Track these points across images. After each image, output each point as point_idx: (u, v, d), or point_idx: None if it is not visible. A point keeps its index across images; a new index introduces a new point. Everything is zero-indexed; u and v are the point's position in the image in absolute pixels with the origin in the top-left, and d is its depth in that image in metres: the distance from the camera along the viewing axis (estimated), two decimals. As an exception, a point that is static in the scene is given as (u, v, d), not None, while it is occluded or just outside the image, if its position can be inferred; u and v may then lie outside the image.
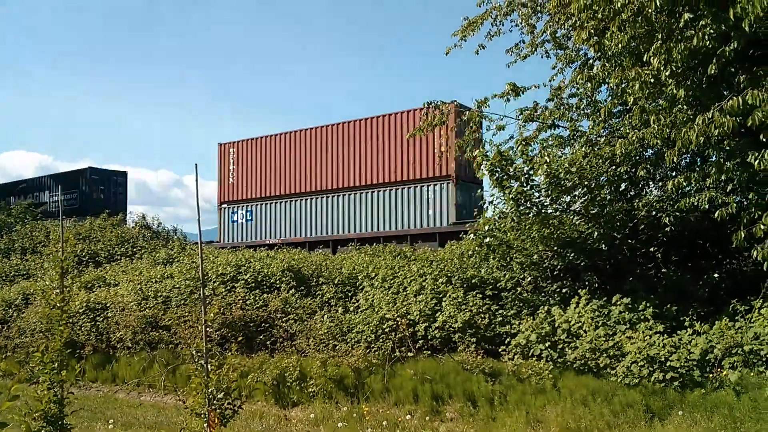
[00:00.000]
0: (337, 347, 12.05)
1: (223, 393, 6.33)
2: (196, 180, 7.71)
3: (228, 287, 14.79)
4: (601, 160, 11.55)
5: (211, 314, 7.32)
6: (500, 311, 11.52)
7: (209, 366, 6.41)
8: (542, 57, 13.33)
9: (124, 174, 34.70)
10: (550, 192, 11.34)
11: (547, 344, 10.41)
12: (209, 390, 6.22)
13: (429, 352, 11.40)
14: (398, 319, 11.69)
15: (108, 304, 15.73)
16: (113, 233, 23.97)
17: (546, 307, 11.04)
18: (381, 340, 11.72)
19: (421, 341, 11.59)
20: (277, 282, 14.76)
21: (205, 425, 6.32)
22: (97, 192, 32.64)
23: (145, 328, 14.47)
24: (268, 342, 13.23)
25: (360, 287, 13.86)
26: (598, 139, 12.24)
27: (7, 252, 25.01)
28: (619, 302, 10.56)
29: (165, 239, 24.58)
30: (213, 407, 6.23)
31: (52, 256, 7.66)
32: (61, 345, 7.02)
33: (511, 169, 11.45)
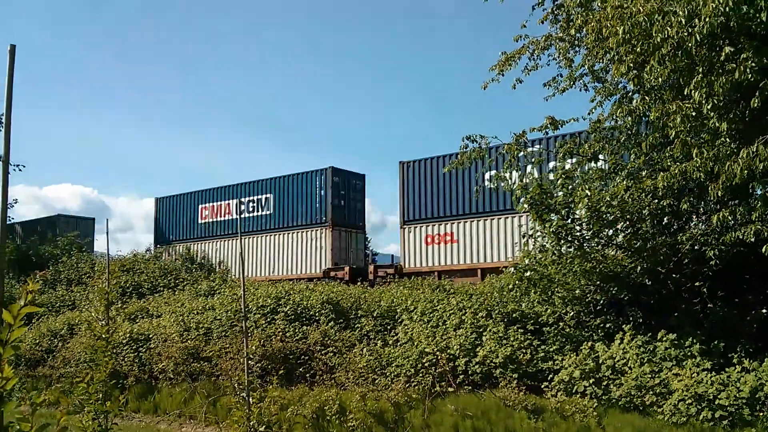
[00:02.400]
0: (377, 381, 12.01)
1: (264, 426, 6.37)
2: (239, 217, 7.85)
3: (268, 319, 14.89)
4: (643, 194, 11.42)
5: (253, 347, 7.41)
6: (542, 346, 11.38)
7: (250, 399, 6.47)
8: (580, 90, 13.31)
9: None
10: (591, 225, 11.24)
11: (591, 381, 10.24)
12: (251, 423, 6.27)
13: (470, 388, 11.29)
14: (438, 353, 11.63)
15: (151, 335, 15.96)
16: (156, 265, 24.38)
17: (589, 343, 10.88)
18: (421, 375, 11.65)
19: (461, 376, 11.48)
20: (317, 314, 14.82)
21: (246, 458, 6.36)
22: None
23: (187, 360, 14.62)
24: (307, 374, 13.24)
25: (399, 320, 13.83)
26: (640, 172, 12.12)
27: (53, 283, 25.57)
28: (664, 338, 10.35)
29: (207, 271, 24.90)
30: (254, 440, 6.27)
31: (97, 288, 7.82)
32: (106, 375, 7.15)
33: (552, 203, 11.40)
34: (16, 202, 49.29)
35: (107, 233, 8.78)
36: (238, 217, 27.57)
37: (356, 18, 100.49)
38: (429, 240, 23.66)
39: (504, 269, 15.80)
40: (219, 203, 29.40)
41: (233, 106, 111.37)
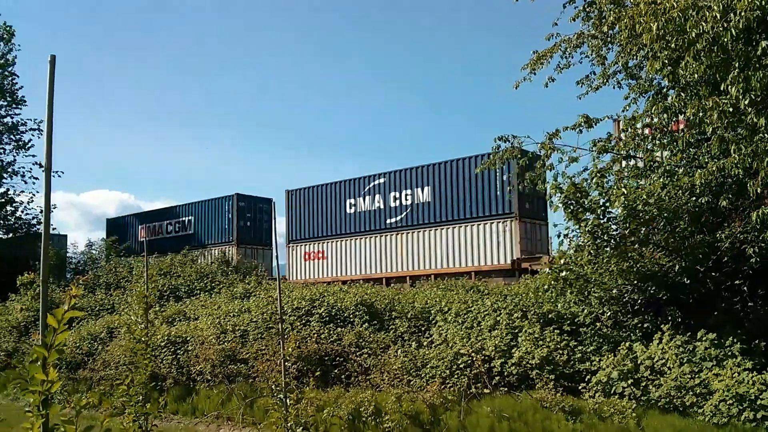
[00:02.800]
0: (412, 382, 12.01)
1: (301, 428, 6.41)
2: (273, 217, 7.93)
3: (303, 321, 14.99)
4: (680, 191, 11.25)
5: (289, 348, 7.46)
6: (579, 347, 11.27)
7: (288, 400, 6.52)
8: (614, 88, 13.16)
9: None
10: (627, 224, 11.10)
11: (629, 382, 10.11)
12: (288, 424, 6.32)
13: (506, 389, 11.23)
14: (473, 354, 11.59)
15: (188, 338, 16.17)
16: (192, 269, 24.69)
17: (627, 343, 10.74)
18: (456, 376, 11.62)
19: (497, 378, 11.43)
20: (351, 316, 14.87)
21: (283, 459, 6.41)
22: None
23: (224, 362, 14.78)
24: (342, 376, 13.30)
25: (433, 322, 13.81)
26: (677, 169, 11.94)
27: (92, 287, 26.05)
28: (704, 338, 10.17)
29: (243, 274, 25.16)
30: (292, 441, 6.32)
31: (136, 291, 7.96)
32: (145, 378, 7.27)
33: (586, 202, 11.28)
34: (54, 208, 50.42)
35: (145, 239, 8.94)
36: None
37: (358, 17, 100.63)
38: (306, 257, 28.66)
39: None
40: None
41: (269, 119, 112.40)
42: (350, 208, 27.12)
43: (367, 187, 26.69)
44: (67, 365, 18.13)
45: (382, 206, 26.10)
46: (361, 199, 26.80)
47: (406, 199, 25.49)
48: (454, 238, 24.03)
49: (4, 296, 24.72)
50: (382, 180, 26.31)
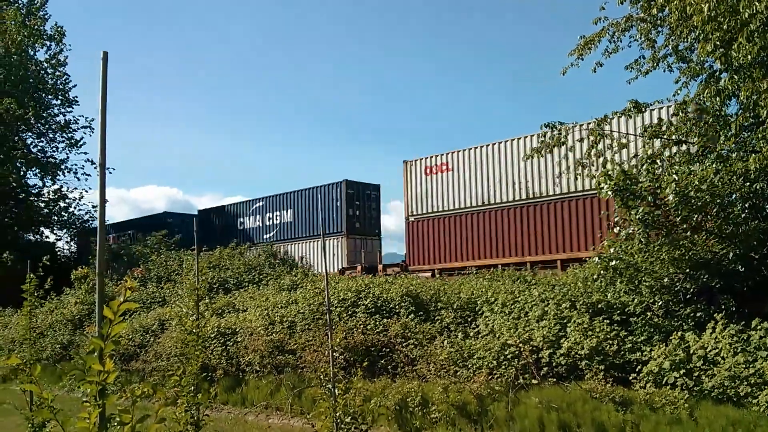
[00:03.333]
0: (458, 373, 11.97)
1: (350, 417, 6.45)
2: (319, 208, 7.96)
3: (349, 312, 15.08)
4: (734, 177, 10.94)
5: (337, 339, 7.50)
6: (629, 337, 11.07)
7: (336, 390, 6.56)
8: (664, 71, 12.86)
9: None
10: (679, 211, 10.84)
11: (681, 372, 9.90)
12: (337, 414, 6.36)
13: (554, 380, 11.10)
14: (521, 345, 11.49)
15: (237, 329, 16.42)
16: (241, 261, 25.03)
17: (679, 333, 10.51)
18: (503, 367, 11.54)
19: (545, 368, 11.31)
20: (396, 307, 14.90)
21: (333, 449, 6.46)
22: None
23: (272, 352, 14.97)
24: (389, 367, 13.33)
25: (479, 312, 13.74)
26: (730, 154, 11.61)
27: (143, 280, 26.62)
28: (759, 326, 9.90)
29: (290, 266, 25.42)
30: (341, 431, 6.36)
31: (187, 284, 8.09)
32: (197, 369, 7.39)
33: (637, 189, 11.05)
34: (107, 202, 51.64)
35: (195, 232, 9.08)
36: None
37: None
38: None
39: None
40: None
41: (314, 108, 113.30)
42: (240, 225, 33.82)
43: (252, 209, 33.63)
44: (120, 357, 18.57)
45: (261, 224, 32.79)
46: (248, 218, 33.77)
47: (276, 219, 31.91)
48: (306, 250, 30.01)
49: (58, 291, 25.45)
50: (261, 203, 33.00)
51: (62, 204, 39.53)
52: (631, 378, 10.49)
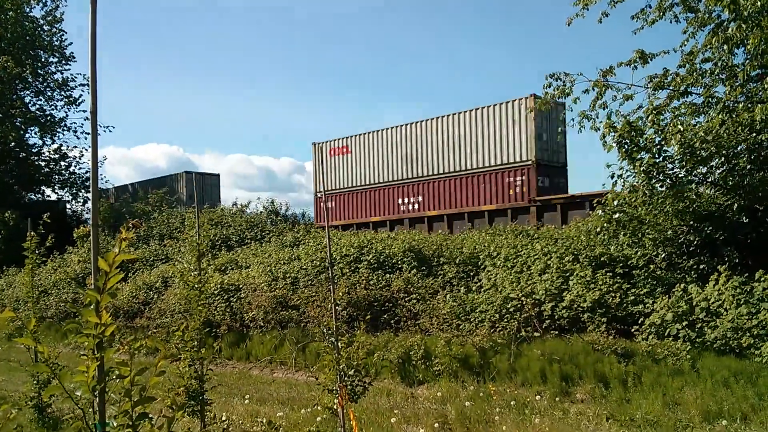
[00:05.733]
0: (461, 327, 12.02)
1: (353, 370, 6.45)
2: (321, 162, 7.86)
3: (352, 268, 15.11)
4: (739, 128, 10.79)
5: (339, 293, 7.50)
6: (632, 290, 11.08)
7: (339, 344, 6.55)
8: (671, 22, 12.59)
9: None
10: (684, 163, 10.73)
11: (684, 324, 9.92)
12: (340, 367, 6.36)
13: (556, 333, 11.15)
14: (523, 298, 11.51)
15: (240, 286, 16.47)
16: (243, 218, 25.02)
17: (682, 285, 10.51)
18: (506, 320, 11.59)
19: (547, 321, 11.35)
20: (399, 262, 14.92)
21: (336, 401, 6.48)
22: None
23: (276, 308, 15.04)
24: (392, 321, 13.41)
25: (482, 267, 13.75)
26: (736, 105, 11.43)
27: (146, 238, 26.65)
28: (763, 278, 9.87)
29: (291, 223, 25.40)
30: (344, 384, 6.36)
31: (188, 240, 8.04)
32: (200, 324, 7.38)
33: (641, 140, 10.92)
34: (105, 159, 51.38)
35: (194, 188, 8.98)
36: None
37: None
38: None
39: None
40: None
41: (316, 66, 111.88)
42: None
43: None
44: (124, 314, 18.71)
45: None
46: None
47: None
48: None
49: (62, 250, 25.51)
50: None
51: (63, 163, 39.38)
52: (633, 330, 10.52)
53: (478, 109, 22.69)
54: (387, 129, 25.67)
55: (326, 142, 27.50)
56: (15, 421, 3.43)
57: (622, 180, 11.60)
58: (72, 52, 38.71)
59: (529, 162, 20.87)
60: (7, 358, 13.00)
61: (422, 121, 24.59)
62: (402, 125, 25.19)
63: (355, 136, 26.56)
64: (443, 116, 23.82)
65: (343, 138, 26.98)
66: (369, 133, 26.23)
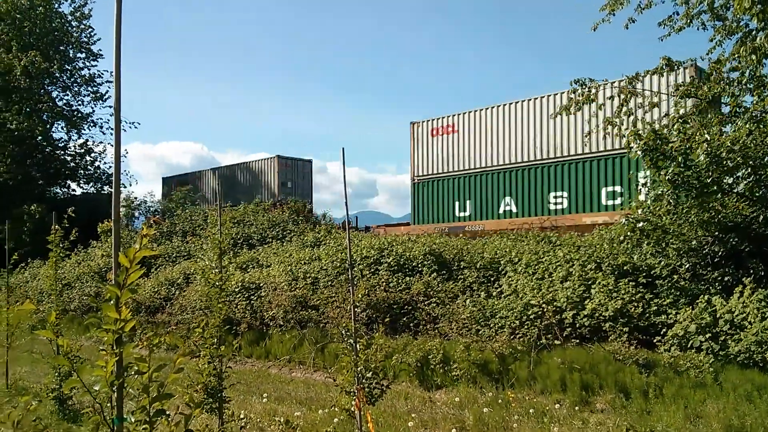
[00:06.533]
0: (480, 332, 11.96)
1: (371, 372, 6.45)
2: (343, 165, 7.87)
3: (372, 270, 15.10)
4: (767, 138, 10.61)
5: (359, 295, 7.48)
6: (655, 300, 10.94)
7: (357, 345, 6.55)
8: (698, 29, 12.45)
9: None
10: (710, 173, 10.58)
11: (707, 336, 9.77)
12: (358, 369, 6.36)
13: (577, 341, 11.04)
14: (544, 305, 11.42)
15: (261, 284, 16.54)
16: (264, 217, 25.13)
17: (706, 297, 10.35)
18: (526, 327, 11.50)
19: (568, 329, 11.25)
20: (419, 265, 14.89)
21: (353, 403, 6.48)
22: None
23: (296, 308, 15.08)
24: (411, 324, 13.37)
25: (503, 272, 13.67)
26: (764, 115, 11.26)
27: (169, 235, 26.86)
28: (789, 292, 9.69)
29: (312, 223, 25.47)
30: (362, 386, 6.36)
31: (210, 238, 8.10)
32: (220, 321, 7.42)
33: (667, 149, 10.79)
34: (127, 153, 51.82)
35: (219, 185, 9.02)
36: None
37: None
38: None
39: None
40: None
41: (332, 71, 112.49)
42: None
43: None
44: (146, 309, 18.86)
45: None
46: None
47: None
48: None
49: (86, 244, 25.81)
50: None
51: (88, 158, 39.85)
52: (655, 341, 10.39)
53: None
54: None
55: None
56: (35, 413, 3.46)
57: (647, 189, 11.48)
58: (100, 49, 39.22)
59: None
60: (29, 349, 13.17)
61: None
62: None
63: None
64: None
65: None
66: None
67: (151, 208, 34.51)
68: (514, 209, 22.58)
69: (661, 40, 12.72)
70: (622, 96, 11.89)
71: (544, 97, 22.08)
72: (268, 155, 34.02)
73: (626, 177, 19.29)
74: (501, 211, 22.88)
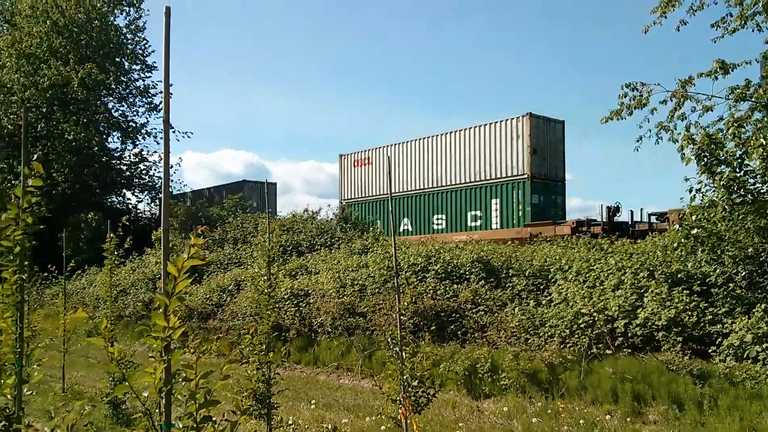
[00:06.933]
0: (529, 341, 11.82)
1: (417, 381, 6.42)
2: (390, 173, 7.90)
3: (419, 277, 15.08)
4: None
5: (405, 303, 7.47)
6: (710, 309, 10.65)
7: (403, 353, 6.54)
8: (753, 31, 12.10)
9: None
10: (766, 178, 10.26)
11: (764, 346, 9.46)
12: (404, 377, 6.35)
13: (629, 351, 10.82)
14: (595, 314, 11.23)
15: (310, 291, 16.68)
16: (313, 225, 25.35)
17: (763, 305, 10.02)
18: (576, 336, 11.32)
19: (620, 339, 11.03)
20: (467, 273, 14.80)
21: (400, 411, 6.46)
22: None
23: (343, 315, 15.16)
24: (458, 332, 13.30)
25: (552, 280, 13.50)
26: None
27: (221, 242, 27.30)
28: None
29: (361, 231, 25.58)
30: (408, 394, 6.34)
31: (260, 245, 8.22)
32: (268, 328, 7.51)
33: (722, 153, 10.51)
34: (181, 161, 52.83)
35: (266, 194, 9.15)
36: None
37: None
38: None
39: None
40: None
41: (384, 73, 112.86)
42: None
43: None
44: (198, 315, 19.21)
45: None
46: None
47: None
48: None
49: (140, 251, 26.43)
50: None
51: (142, 167, 40.81)
52: (710, 351, 10.12)
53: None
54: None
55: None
56: (89, 416, 3.56)
57: (701, 194, 11.19)
58: (154, 61, 40.18)
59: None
60: (85, 354, 13.55)
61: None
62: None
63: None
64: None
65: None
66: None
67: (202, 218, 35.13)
68: (410, 228, 27.78)
69: (715, 41, 12.43)
70: (675, 100, 11.64)
71: (435, 136, 27.20)
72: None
73: (486, 203, 24.70)
74: (401, 229, 27.97)
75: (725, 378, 9.36)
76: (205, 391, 2.74)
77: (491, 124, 25.00)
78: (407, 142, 28.47)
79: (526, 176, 23.50)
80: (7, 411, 3.80)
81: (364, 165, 30.50)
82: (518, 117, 23.99)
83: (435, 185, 27.04)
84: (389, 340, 6.52)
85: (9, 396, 3.88)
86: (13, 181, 34.63)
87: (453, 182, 26.29)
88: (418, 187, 27.77)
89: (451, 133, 26.61)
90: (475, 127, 25.55)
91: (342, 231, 24.95)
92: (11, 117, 35.30)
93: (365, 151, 30.55)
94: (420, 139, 28.00)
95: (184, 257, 2.65)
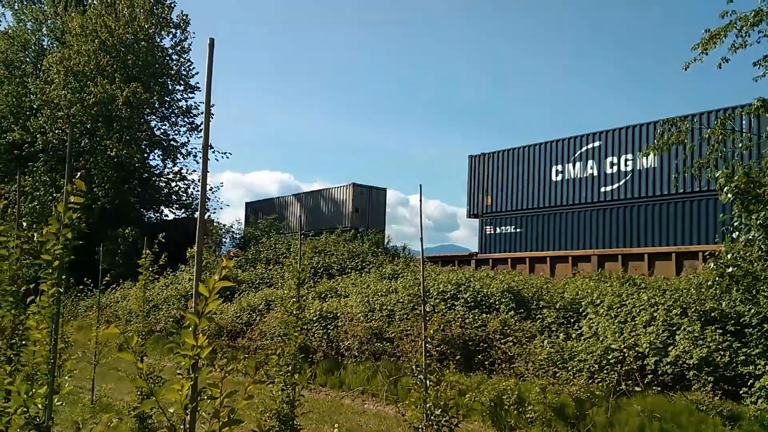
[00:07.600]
0: (557, 374, 11.69)
1: (440, 409, 6.43)
2: (420, 200, 7.98)
3: (448, 305, 15.04)
4: None
5: (431, 330, 7.49)
6: (743, 349, 10.45)
7: (428, 381, 6.55)
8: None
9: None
10: (806, 218, 10.07)
11: (798, 390, 9.24)
12: (427, 405, 6.36)
13: (658, 389, 10.64)
14: (625, 350, 11.08)
15: (338, 314, 16.74)
16: (345, 248, 25.47)
17: (799, 348, 9.81)
18: (605, 372, 11.17)
19: (650, 376, 10.85)
20: (497, 303, 14.73)
21: (422, 439, 6.46)
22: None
23: (371, 339, 15.17)
24: (486, 362, 13.20)
25: (583, 313, 13.36)
26: None
27: (253, 262, 27.56)
28: None
29: (392, 255, 25.62)
30: (430, 422, 6.35)
31: (291, 267, 8.32)
32: (295, 349, 7.59)
33: (760, 192, 10.35)
34: (222, 185, 53.66)
35: (300, 216, 9.28)
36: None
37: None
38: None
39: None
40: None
41: (420, 94, 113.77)
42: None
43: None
44: (227, 333, 19.37)
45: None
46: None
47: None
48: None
49: (175, 267, 26.79)
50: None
51: (181, 185, 41.49)
52: (741, 392, 9.90)
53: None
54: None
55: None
56: (115, 430, 3.65)
57: (739, 233, 11.01)
58: (197, 82, 40.97)
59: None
60: (116, 367, 13.76)
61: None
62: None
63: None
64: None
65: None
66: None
67: (236, 235, 35.49)
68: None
69: (756, 80, 12.28)
70: (714, 137, 11.53)
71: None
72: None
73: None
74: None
75: (756, 420, 9.16)
76: (229, 410, 2.81)
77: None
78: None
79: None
80: (37, 420, 3.91)
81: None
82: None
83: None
84: (414, 366, 6.55)
85: (40, 405, 4.00)
86: (54, 194, 35.42)
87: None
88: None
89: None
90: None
91: (373, 255, 25.01)
92: (56, 132, 36.25)
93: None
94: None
95: (215, 279, 2.74)
